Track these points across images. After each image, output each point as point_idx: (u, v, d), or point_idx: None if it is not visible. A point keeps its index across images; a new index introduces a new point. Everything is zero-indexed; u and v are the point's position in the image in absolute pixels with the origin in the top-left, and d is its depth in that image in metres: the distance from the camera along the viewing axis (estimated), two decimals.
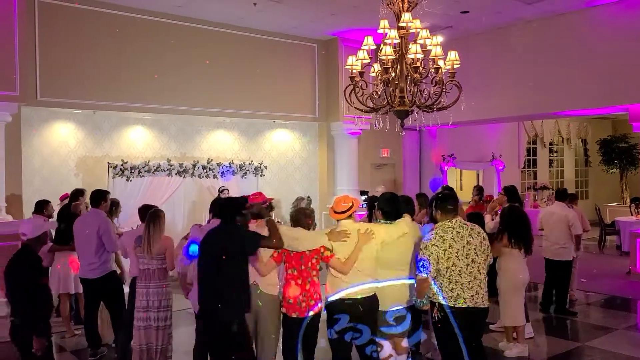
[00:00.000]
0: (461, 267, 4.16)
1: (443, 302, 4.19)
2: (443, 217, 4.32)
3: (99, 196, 6.04)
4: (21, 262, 4.06)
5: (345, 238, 4.31)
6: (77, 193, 7.50)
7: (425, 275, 4.18)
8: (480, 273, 4.24)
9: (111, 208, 6.44)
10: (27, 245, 4.16)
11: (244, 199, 4.38)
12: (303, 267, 4.33)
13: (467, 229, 4.28)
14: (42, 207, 6.84)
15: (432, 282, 4.23)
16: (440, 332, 4.33)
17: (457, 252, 4.16)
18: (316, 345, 4.51)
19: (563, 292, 7.58)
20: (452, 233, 4.21)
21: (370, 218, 5.50)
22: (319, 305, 4.42)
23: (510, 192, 7.32)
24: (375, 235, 4.39)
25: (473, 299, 4.19)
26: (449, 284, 4.17)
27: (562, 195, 7.80)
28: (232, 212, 4.16)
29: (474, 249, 4.22)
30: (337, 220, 4.48)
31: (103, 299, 5.91)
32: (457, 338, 4.20)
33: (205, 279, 4.09)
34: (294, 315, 4.34)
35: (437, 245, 4.17)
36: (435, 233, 4.24)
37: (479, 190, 9.38)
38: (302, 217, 4.59)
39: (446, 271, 4.17)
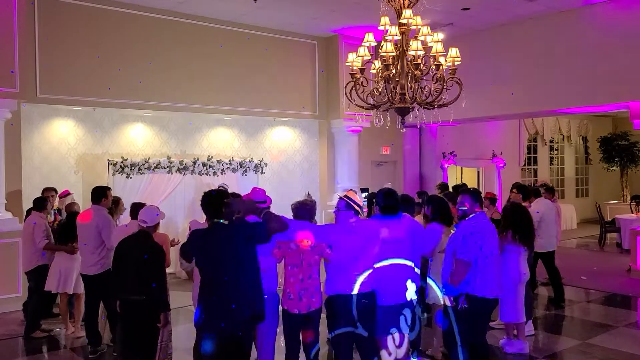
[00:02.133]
0: (491, 259, 4.47)
1: (471, 293, 4.41)
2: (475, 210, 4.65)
3: (100, 193, 6.03)
4: (143, 245, 4.53)
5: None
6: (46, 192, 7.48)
7: (469, 260, 4.38)
8: (496, 266, 4.56)
9: (111, 206, 6.42)
10: (145, 231, 4.64)
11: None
12: (303, 263, 4.32)
13: (489, 223, 4.68)
14: (42, 205, 6.83)
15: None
16: (463, 323, 4.42)
17: (490, 243, 4.49)
18: (318, 341, 4.51)
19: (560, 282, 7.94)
20: (487, 224, 4.60)
21: (369, 214, 5.50)
22: (320, 301, 4.43)
23: (524, 190, 7.46)
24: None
25: (492, 290, 4.49)
26: (482, 274, 4.42)
27: (538, 192, 8.14)
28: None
29: (496, 242, 4.60)
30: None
31: (101, 296, 5.89)
32: (479, 328, 4.36)
33: None
34: (295, 312, 4.33)
35: (481, 233, 4.47)
36: (477, 221, 4.56)
37: (441, 186, 9.58)
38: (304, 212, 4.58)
39: (485, 259, 4.43)
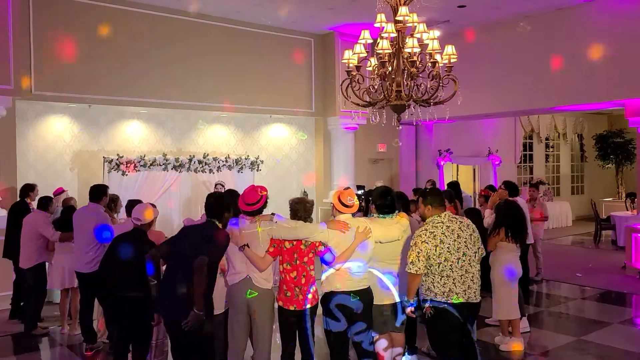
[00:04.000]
0: (452, 262, 4.16)
1: (435, 299, 4.18)
2: (432, 212, 4.33)
3: (100, 191, 6.02)
4: (138, 242, 4.53)
5: (345, 229, 4.31)
6: (27, 188, 7.43)
7: (415, 271, 4.16)
8: (471, 266, 4.24)
9: (110, 204, 6.39)
10: (140, 229, 4.63)
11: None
12: (298, 261, 4.34)
13: (456, 223, 4.30)
14: (46, 204, 6.80)
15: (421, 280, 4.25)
16: (432, 330, 4.32)
17: (448, 247, 4.16)
18: (313, 337, 4.53)
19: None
20: (442, 228, 4.21)
21: (366, 212, 5.50)
22: (316, 298, 4.44)
23: (511, 186, 7.42)
24: (371, 235, 4.39)
25: (465, 293, 4.19)
26: (441, 279, 4.16)
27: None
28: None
29: (464, 242, 4.24)
30: (338, 212, 4.47)
31: (96, 294, 5.87)
32: (449, 335, 4.21)
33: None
34: (291, 308, 4.35)
35: (427, 242, 4.15)
36: (425, 229, 4.23)
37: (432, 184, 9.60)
38: (303, 210, 4.58)
39: (438, 266, 4.15)
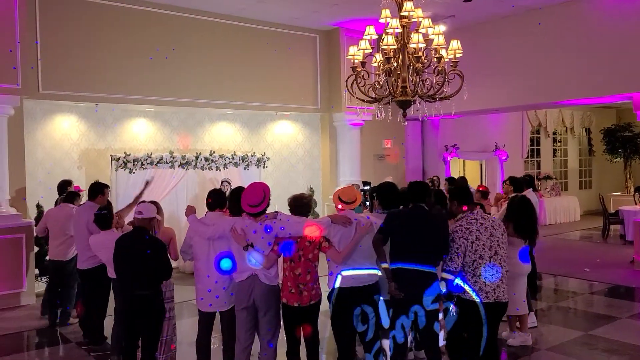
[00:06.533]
0: (486, 260, 4.16)
1: (463, 297, 4.19)
2: (463, 210, 4.35)
3: (96, 190, 6.08)
4: (142, 241, 4.45)
5: (348, 224, 4.32)
6: (65, 184, 7.46)
7: (455, 268, 4.18)
8: (502, 266, 4.22)
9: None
10: (141, 227, 4.52)
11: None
12: (302, 258, 4.35)
13: (489, 221, 4.30)
14: (73, 197, 6.78)
15: (453, 276, 4.24)
16: (456, 325, 4.31)
17: (483, 245, 4.17)
18: (317, 333, 4.54)
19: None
20: (476, 225, 4.22)
21: (371, 208, 5.51)
22: (319, 294, 4.45)
23: (515, 182, 7.38)
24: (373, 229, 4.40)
25: (495, 292, 4.18)
26: (472, 277, 4.17)
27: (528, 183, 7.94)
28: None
29: (497, 241, 4.24)
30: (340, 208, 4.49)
31: (94, 292, 5.86)
32: (472, 332, 4.19)
33: None
34: (296, 305, 4.36)
35: (464, 238, 4.18)
36: (460, 225, 4.25)
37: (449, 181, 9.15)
38: (307, 208, 4.59)
39: (472, 264, 4.16)
